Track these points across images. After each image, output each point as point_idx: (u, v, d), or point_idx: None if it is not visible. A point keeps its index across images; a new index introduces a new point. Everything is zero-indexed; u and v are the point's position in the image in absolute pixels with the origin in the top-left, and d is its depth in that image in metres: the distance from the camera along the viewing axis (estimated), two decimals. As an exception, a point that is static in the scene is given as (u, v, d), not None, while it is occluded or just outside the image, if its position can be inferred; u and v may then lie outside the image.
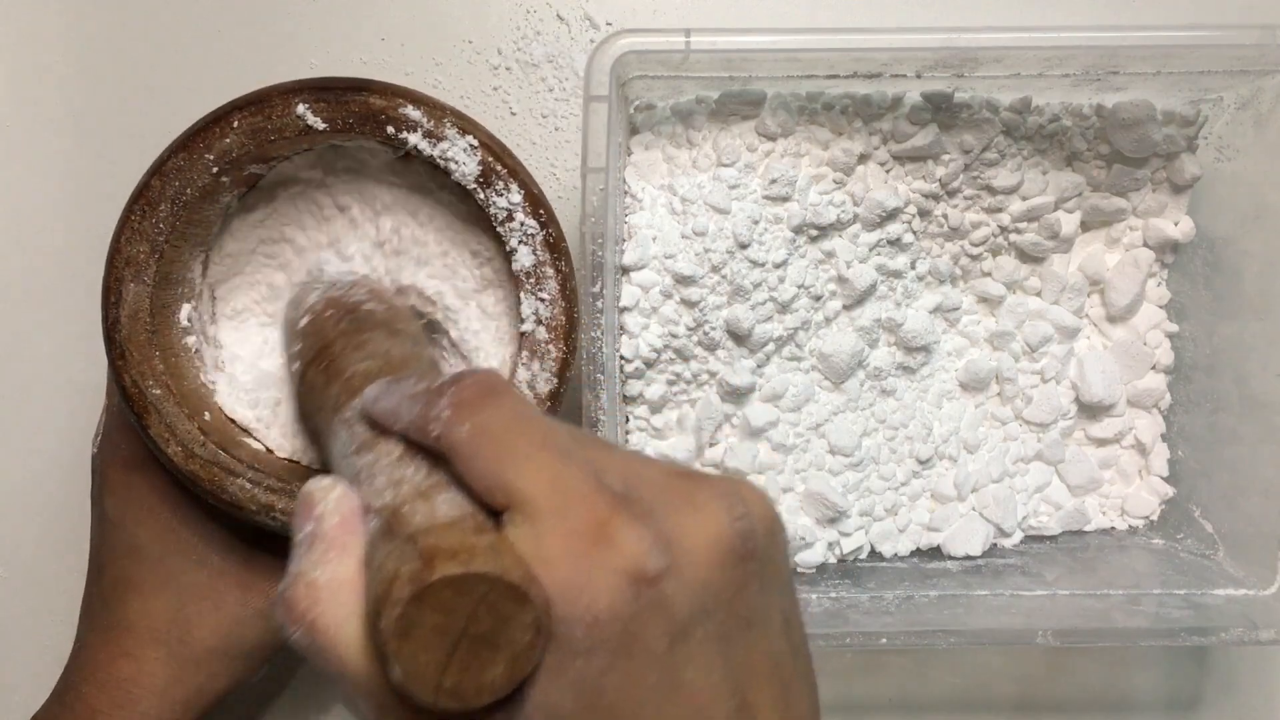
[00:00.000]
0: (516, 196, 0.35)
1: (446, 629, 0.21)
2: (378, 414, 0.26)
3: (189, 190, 0.35)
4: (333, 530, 0.24)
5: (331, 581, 0.23)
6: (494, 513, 0.23)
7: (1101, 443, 0.47)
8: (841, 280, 0.43)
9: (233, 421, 0.38)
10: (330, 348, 0.33)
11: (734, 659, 0.22)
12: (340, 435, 0.28)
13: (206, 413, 0.37)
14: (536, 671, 0.21)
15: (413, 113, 0.34)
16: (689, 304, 0.41)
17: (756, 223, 0.41)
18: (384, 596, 0.21)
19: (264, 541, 0.38)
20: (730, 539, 0.22)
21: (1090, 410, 0.46)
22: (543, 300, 0.36)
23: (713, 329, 0.41)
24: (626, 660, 0.21)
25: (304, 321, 0.36)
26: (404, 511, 0.23)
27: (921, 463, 0.45)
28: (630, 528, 0.21)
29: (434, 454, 0.25)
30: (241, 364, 0.39)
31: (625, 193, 0.41)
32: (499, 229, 0.35)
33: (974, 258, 0.45)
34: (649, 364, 0.41)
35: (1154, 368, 0.46)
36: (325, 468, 0.35)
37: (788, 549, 0.25)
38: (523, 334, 0.36)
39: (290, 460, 0.38)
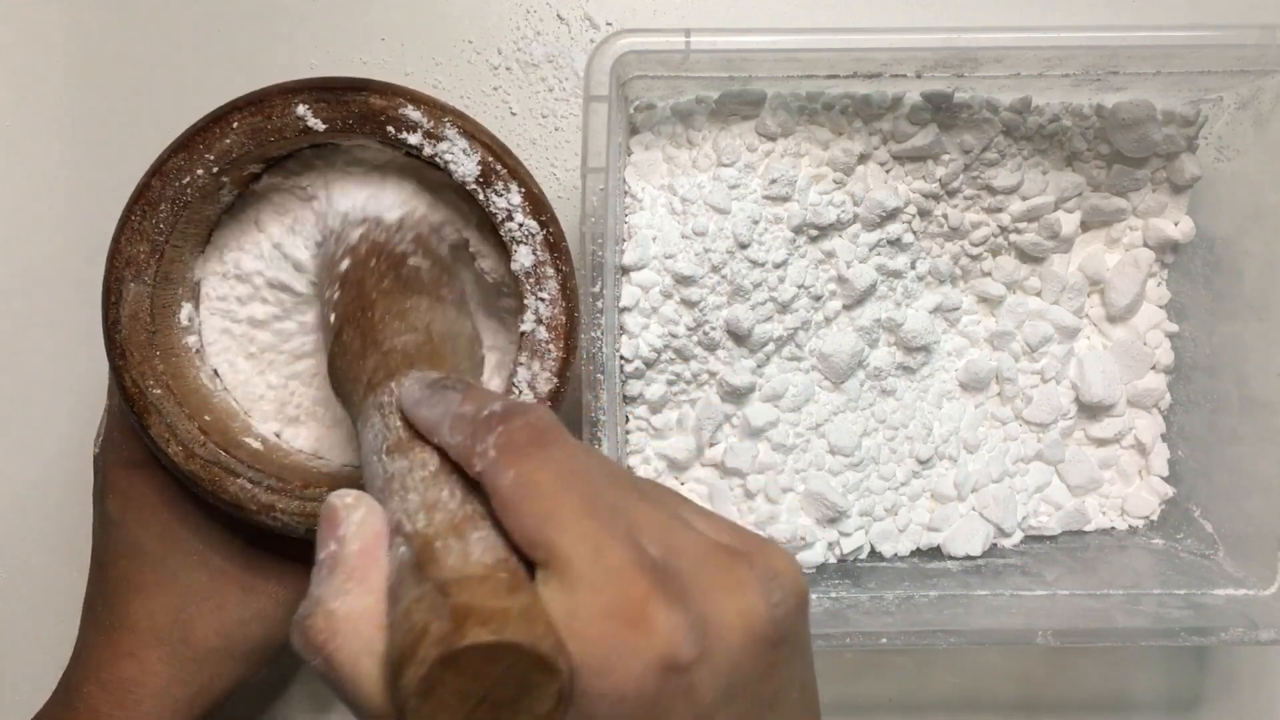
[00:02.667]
0: (516, 197, 0.35)
1: (469, 693, 0.20)
2: (418, 422, 0.26)
3: (189, 190, 0.35)
4: (355, 557, 0.24)
5: (351, 614, 0.23)
6: (527, 560, 0.22)
7: (1101, 443, 0.47)
8: (841, 280, 0.43)
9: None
10: (371, 310, 0.31)
11: None
12: (374, 422, 0.27)
13: (207, 413, 0.37)
14: None
15: (412, 113, 0.34)
16: (689, 304, 0.41)
17: (756, 223, 0.41)
18: (409, 652, 0.21)
19: (265, 541, 0.38)
20: (765, 625, 0.22)
21: (1090, 410, 0.46)
22: (543, 300, 0.36)
23: (713, 329, 0.41)
24: None
25: (345, 265, 0.33)
26: (436, 548, 0.22)
27: (921, 463, 0.45)
28: (667, 611, 0.21)
29: (471, 479, 0.24)
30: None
31: (625, 193, 0.41)
32: (499, 229, 0.35)
33: (974, 258, 0.45)
34: (649, 364, 0.41)
35: (1154, 368, 0.46)
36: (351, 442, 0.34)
37: (801, 590, 0.25)
38: (523, 333, 0.36)
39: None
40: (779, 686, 0.23)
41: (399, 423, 0.26)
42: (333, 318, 0.33)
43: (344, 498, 0.25)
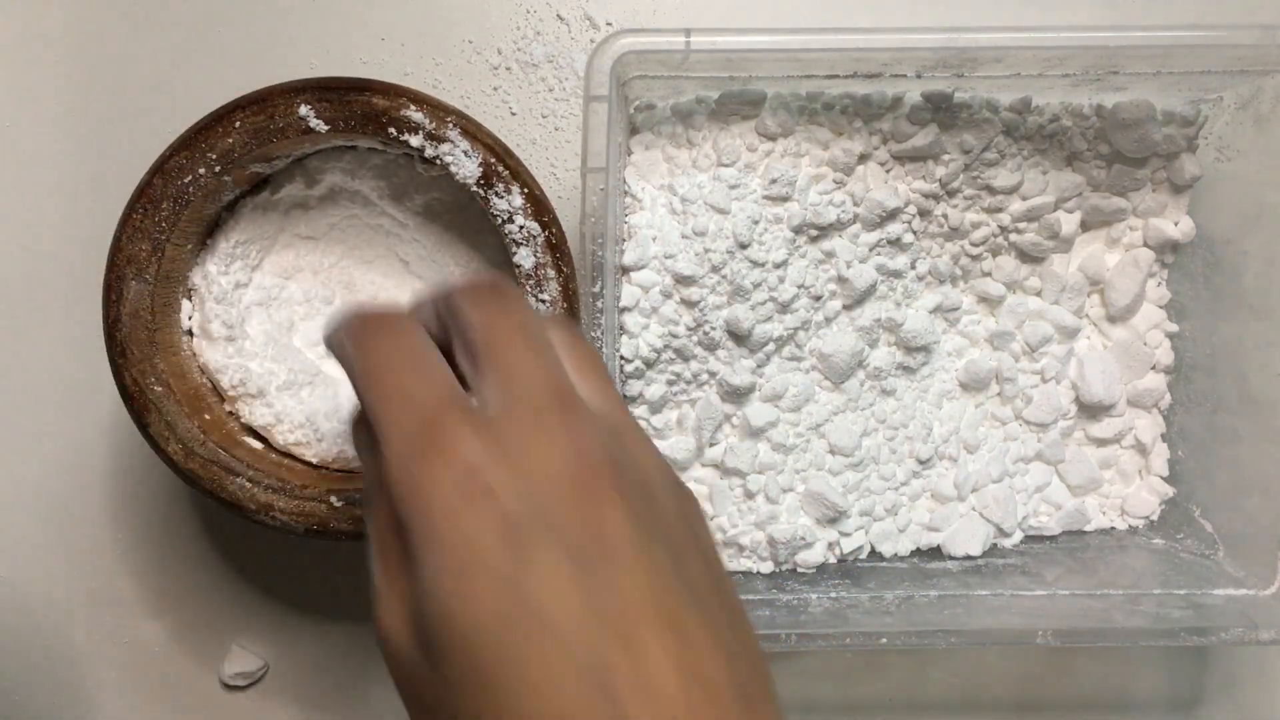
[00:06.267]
0: (518, 199, 0.35)
1: None
2: None
3: (191, 189, 0.35)
4: None
5: None
6: None
7: (1101, 443, 0.47)
8: (841, 280, 0.43)
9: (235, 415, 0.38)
10: None
11: (597, 590, 0.21)
12: None
13: (206, 412, 0.37)
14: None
15: (415, 114, 0.34)
16: (689, 304, 0.41)
17: (756, 223, 0.41)
18: None
19: None
20: (583, 466, 0.22)
21: (1090, 410, 0.46)
22: (544, 301, 0.36)
23: (713, 329, 0.41)
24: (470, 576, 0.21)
25: None
26: None
27: (921, 463, 0.45)
28: (470, 436, 0.22)
29: None
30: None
31: (625, 193, 0.41)
32: (500, 230, 0.35)
33: (974, 258, 0.45)
34: (649, 364, 0.41)
35: (1154, 368, 0.46)
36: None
37: (675, 488, 0.25)
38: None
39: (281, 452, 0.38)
40: (619, 538, 0.22)
41: None
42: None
43: None
